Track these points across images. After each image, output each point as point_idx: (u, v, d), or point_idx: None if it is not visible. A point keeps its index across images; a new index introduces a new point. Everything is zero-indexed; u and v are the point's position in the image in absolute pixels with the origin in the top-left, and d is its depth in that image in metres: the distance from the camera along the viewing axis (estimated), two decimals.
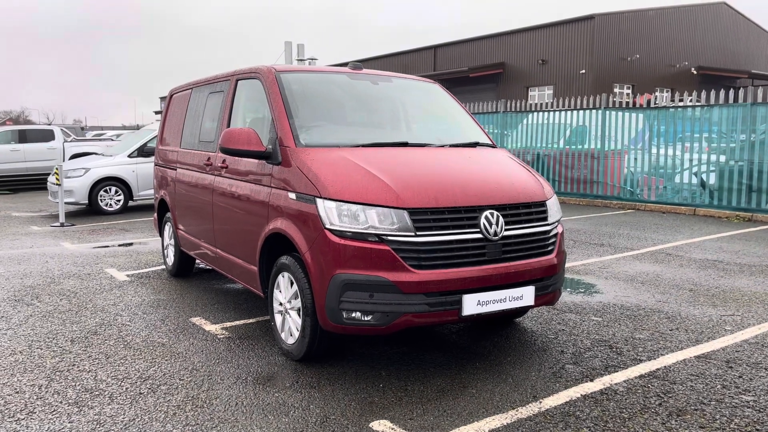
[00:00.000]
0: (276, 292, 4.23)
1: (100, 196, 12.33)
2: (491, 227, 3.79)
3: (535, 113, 15.18)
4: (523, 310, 4.59)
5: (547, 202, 4.18)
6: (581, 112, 14.28)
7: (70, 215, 12.20)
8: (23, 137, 18.69)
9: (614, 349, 4.35)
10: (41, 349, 4.34)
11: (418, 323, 3.66)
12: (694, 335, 4.68)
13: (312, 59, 59.81)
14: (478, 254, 3.76)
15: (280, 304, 4.19)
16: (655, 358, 4.17)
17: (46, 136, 19.08)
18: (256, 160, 4.44)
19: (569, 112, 14.49)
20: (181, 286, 6.26)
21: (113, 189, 12.42)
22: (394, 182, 3.73)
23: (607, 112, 13.74)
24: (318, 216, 3.70)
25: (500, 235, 3.82)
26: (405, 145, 4.39)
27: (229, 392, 3.61)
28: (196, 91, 6.06)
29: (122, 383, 3.73)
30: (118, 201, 12.46)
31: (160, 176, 6.81)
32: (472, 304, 3.70)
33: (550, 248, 4.13)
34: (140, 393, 3.59)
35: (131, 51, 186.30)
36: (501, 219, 3.84)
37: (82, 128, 34.65)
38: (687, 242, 8.86)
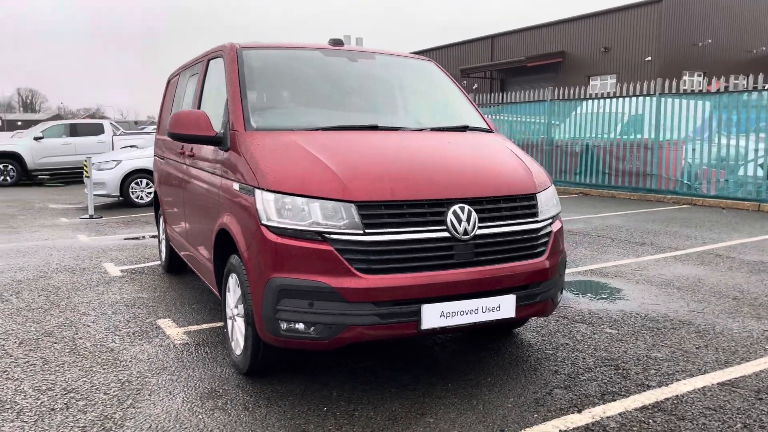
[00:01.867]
0: (227, 295, 3.76)
1: (132, 189, 12.27)
2: (460, 224, 3.17)
3: (588, 101, 14.16)
4: (515, 322, 3.96)
5: (537, 195, 3.52)
6: (634, 99, 13.20)
7: (103, 208, 12.20)
8: (74, 131, 19.05)
9: (620, 371, 3.65)
10: None
11: (370, 337, 3.10)
12: (725, 355, 3.91)
13: None
14: (444, 256, 3.16)
15: (231, 309, 3.72)
16: (667, 384, 3.45)
17: (96, 129, 19.40)
18: (212, 147, 3.97)
19: (623, 101, 13.42)
20: (169, 283, 5.90)
21: (144, 181, 12.34)
22: (344, 171, 3.17)
23: (662, 99, 12.63)
24: (256, 210, 3.19)
25: (471, 234, 3.20)
26: (375, 128, 3.81)
27: (152, 411, 3.15)
28: (182, 74, 5.66)
29: (41, 396, 3.34)
30: (149, 193, 12.37)
31: (155, 167, 6.48)
32: (434, 316, 3.11)
33: (539, 249, 3.47)
34: (52, 409, 3.18)
35: (203, 50, 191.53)
36: (474, 215, 3.22)
37: (135, 122, 35.44)
38: (743, 242, 7.88)
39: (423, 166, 3.34)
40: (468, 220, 3.20)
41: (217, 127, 3.88)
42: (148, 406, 3.21)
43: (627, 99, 13.33)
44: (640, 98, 13.05)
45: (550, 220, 3.60)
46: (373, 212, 3.07)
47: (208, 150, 4.07)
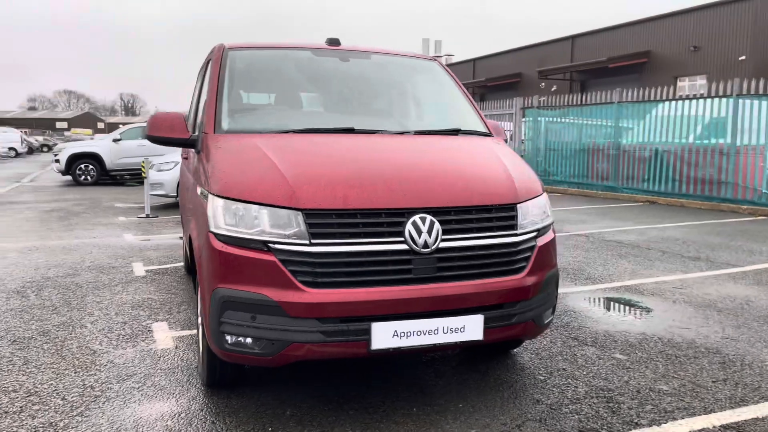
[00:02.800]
0: (198, 303, 3.66)
1: None
2: (420, 236, 2.91)
3: (664, 104, 13.25)
4: (513, 341, 3.64)
5: (518, 205, 3.20)
6: (716, 101, 12.22)
7: (162, 208, 12.58)
8: None
9: (611, 404, 3.26)
10: None
11: (316, 356, 2.89)
12: (743, 392, 3.42)
13: (448, 55, 59.27)
14: (400, 271, 2.91)
15: (199, 317, 3.61)
16: (659, 424, 3.04)
17: None
18: (192, 151, 3.89)
19: (700, 103, 12.48)
20: (185, 285, 5.91)
21: None
22: (297, 176, 2.98)
23: (740, 101, 11.64)
24: (206, 216, 3.06)
25: (433, 247, 2.93)
26: (351, 131, 3.60)
27: (97, 420, 3.07)
28: (197, 77, 5.66)
29: (3, 398, 3.34)
30: None
31: (180, 169, 6.53)
32: (385, 336, 2.86)
33: (518, 266, 3.15)
34: (5, 412, 3.17)
35: None
36: (437, 226, 2.94)
37: None
38: None
39: (386, 173, 3.10)
40: (429, 232, 2.93)
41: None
42: (97, 415, 3.14)
43: (704, 101, 12.38)
44: (714, 99, 12.08)
45: (535, 233, 3.26)
46: (321, 221, 2.86)
47: (190, 153, 4.00)
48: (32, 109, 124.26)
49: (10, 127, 57.86)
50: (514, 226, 3.16)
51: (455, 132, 3.86)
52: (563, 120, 15.97)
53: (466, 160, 3.44)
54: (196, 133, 3.70)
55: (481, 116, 4.15)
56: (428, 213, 2.96)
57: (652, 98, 13.56)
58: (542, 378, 3.62)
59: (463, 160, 3.43)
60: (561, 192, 15.78)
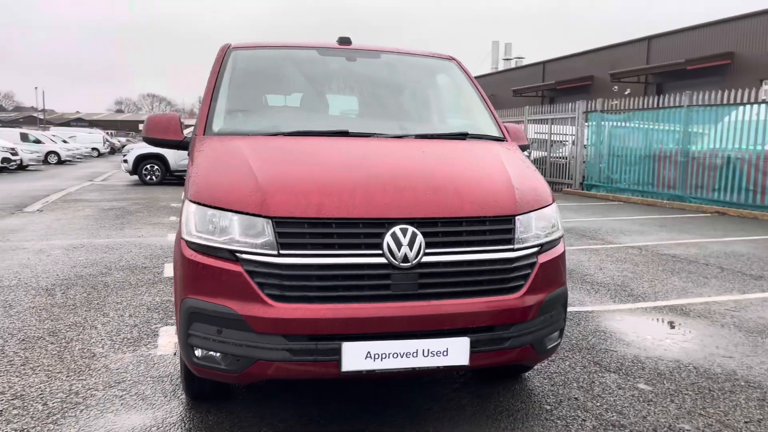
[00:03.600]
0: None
1: None
2: (399, 249, 2.66)
3: (741, 107, 12.33)
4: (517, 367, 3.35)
5: (517, 217, 2.89)
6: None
7: None
8: None
9: None
10: None
11: (284, 375, 2.69)
12: None
13: (519, 58, 58.10)
14: (377, 286, 2.67)
15: None
16: None
17: None
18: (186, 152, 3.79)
19: None
20: None
21: None
22: (271, 182, 2.79)
23: None
24: (180, 222, 2.93)
25: (414, 261, 2.67)
26: (345, 134, 3.38)
27: (68, 430, 2.99)
28: None
29: None
30: None
31: None
32: (358, 357, 2.63)
33: (514, 284, 2.85)
34: (5, 410, 3.14)
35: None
36: (420, 238, 2.69)
37: None
38: None
39: (370, 180, 2.86)
40: (411, 245, 2.67)
41: None
42: (70, 423, 3.06)
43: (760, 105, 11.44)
44: None
45: (537, 248, 2.94)
46: (292, 230, 2.66)
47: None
48: (119, 111, 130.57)
49: (96, 129, 61.01)
50: (510, 240, 2.86)
51: (462, 136, 3.58)
52: (628, 124, 15.18)
53: (465, 166, 3.16)
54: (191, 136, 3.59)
55: (496, 119, 3.85)
56: (410, 224, 2.71)
57: (726, 101, 12.66)
58: (548, 408, 3.29)
59: (460, 166, 3.15)
60: (623, 200, 15.00)
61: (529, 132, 19.54)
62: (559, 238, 3.14)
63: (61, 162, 34.52)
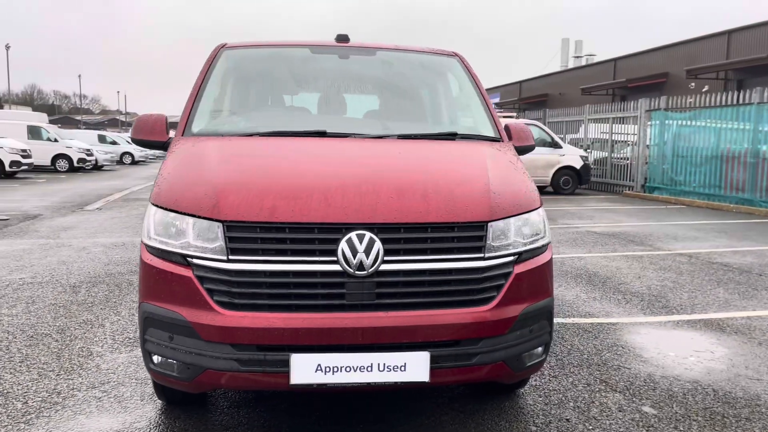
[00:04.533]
0: None
1: None
2: (355, 256, 2.51)
3: None
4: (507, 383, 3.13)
5: (489, 224, 2.68)
6: None
7: None
8: None
9: None
10: None
11: (233, 386, 2.62)
12: None
13: (589, 55, 56.40)
14: (330, 295, 2.53)
15: None
16: None
17: None
18: None
19: None
20: None
21: None
22: (227, 184, 2.70)
23: None
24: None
25: (370, 270, 2.51)
26: (323, 134, 3.25)
27: (38, 430, 2.99)
28: None
29: None
30: None
31: None
32: (307, 369, 2.50)
33: (485, 295, 2.64)
34: None
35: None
36: (378, 245, 2.53)
37: None
38: None
39: (332, 183, 2.71)
40: (368, 252, 2.52)
41: None
42: (40, 425, 3.06)
43: None
44: None
45: (512, 257, 2.72)
46: (243, 235, 2.55)
47: None
48: None
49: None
50: (480, 249, 2.65)
51: (451, 136, 3.38)
52: (694, 123, 14.34)
53: (440, 169, 2.96)
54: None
55: (494, 119, 3.63)
56: (369, 229, 2.55)
57: None
58: (534, 429, 3.05)
59: (435, 169, 2.95)
60: (686, 204, 14.17)
61: (590, 132, 18.82)
62: (545, 245, 2.90)
63: (134, 162, 36.07)
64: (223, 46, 3.89)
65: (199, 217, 2.61)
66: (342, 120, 3.60)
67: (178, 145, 3.18)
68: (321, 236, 2.55)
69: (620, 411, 3.27)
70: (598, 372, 3.81)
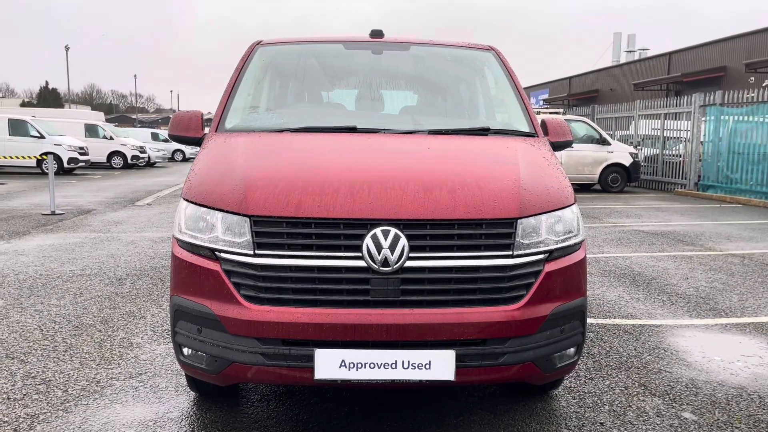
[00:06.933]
0: None
1: None
2: (380, 252, 2.49)
3: None
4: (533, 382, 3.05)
5: (519, 220, 2.62)
6: None
7: None
8: None
9: None
10: (38, 330, 4.41)
11: (259, 379, 2.63)
12: None
13: (643, 50, 54.90)
14: (355, 291, 2.52)
15: None
16: None
17: None
18: None
19: None
20: None
21: None
22: (255, 179, 2.72)
23: None
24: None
25: (395, 266, 2.49)
26: (353, 130, 3.24)
27: (74, 419, 3.09)
28: None
29: (18, 383, 3.51)
30: None
31: None
32: (332, 365, 2.50)
33: (514, 294, 2.59)
34: (8, 398, 3.31)
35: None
36: (403, 241, 2.50)
37: None
38: None
39: (359, 178, 2.69)
40: (393, 248, 2.49)
41: None
42: (78, 412, 3.16)
43: None
44: None
45: (543, 255, 2.65)
46: (269, 230, 2.56)
47: None
48: None
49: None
50: (509, 246, 2.59)
51: (484, 131, 3.32)
52: (752, 119, 13.76)
53: (469, 164, 2.91)
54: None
55: (530, 114, 3.55)
56: (394, 225, 2.52)
57: None
58: None
59: (464, 164, 2.91)
60: (742, 203, 13.62)
61: (641, 128, 18.29)
62: (578, 243, 2.82)
63: (185, 159, 36.92)
64: (258, 43, 3.92)
65: (227, 211, 2.64)
66: (373, 116, 3.58)
67: (210, 141, 3.22)
68: (346, 231, 2.54)
69: (658, 416, 3.15)
70: (637, 375, 3.69)
